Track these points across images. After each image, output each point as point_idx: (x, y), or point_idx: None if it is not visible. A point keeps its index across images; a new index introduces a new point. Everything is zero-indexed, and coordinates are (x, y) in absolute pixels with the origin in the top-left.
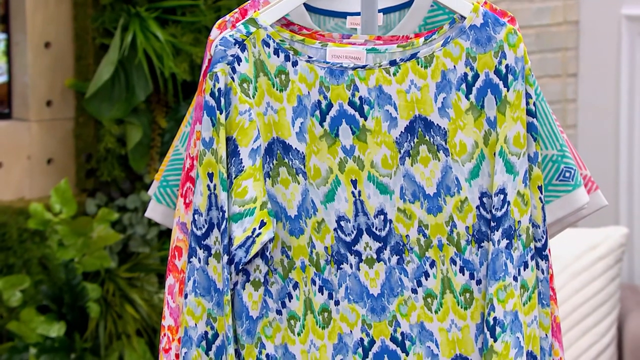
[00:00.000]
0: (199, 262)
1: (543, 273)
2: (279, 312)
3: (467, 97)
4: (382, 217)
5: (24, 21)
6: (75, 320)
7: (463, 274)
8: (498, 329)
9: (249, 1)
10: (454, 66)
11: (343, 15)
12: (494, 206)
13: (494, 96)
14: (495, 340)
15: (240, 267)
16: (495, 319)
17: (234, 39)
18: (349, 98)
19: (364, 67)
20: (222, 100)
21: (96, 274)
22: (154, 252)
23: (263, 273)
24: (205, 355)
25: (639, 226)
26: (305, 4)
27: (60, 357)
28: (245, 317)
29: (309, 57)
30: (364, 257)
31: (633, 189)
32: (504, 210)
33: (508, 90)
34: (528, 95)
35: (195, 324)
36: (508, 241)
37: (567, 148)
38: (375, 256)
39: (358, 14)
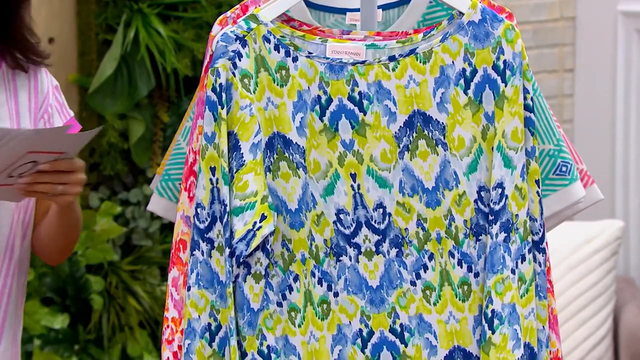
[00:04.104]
0: (202, 254)
1: (540, 266)
2: (279, 304)
3: (465, 93)
4: (381, 210)
5: None
6: (79, 312)
7: (461, 267)
8: (496, 321)
9: None
10: (453, 62)
11: (343, 11)
12: (492, 200)
13: (492, 91)
14: (493, 333)
15: (242, 260)
16: (493, 311)
17: (235, 35)
18: (349, 93)
19: (363, 62)
20: (224, 95)
21: (99, 267)
22: (156, 245)
23: (264, 266)
24: (208, 346)
25: (635, 219)
26: (305, 0)
27: (64, 348)
28: (246, 309)
29: (309, 53)
30: (363, 250)
31: (629, 183)
32: (502, 204)
33: (506, 86)
34: (526, 91)
35: (199, 316)
36: (506, 234)
37: (563, 143)
38: (374, 249)
39: (357, 10)
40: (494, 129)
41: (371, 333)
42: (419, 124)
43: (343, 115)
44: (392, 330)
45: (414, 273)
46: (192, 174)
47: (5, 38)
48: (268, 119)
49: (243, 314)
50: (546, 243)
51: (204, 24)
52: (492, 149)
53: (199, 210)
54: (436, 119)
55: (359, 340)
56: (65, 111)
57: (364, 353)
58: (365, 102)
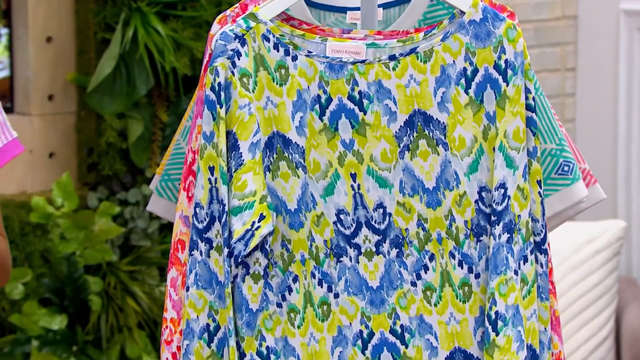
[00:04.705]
0: (201, 255)
1: (542, 267)
2: (279, 305)
3: (466, 92)
4: (381, 210)
5: (25, 16)
6: (77, 313)
7: (462, 268)
8: (500, 323)
9: None
10: (453, 61)
11: (343, 10)
12: (494, 200)
13: (493, 91)
14: (497, 334)
15: (240, 260)
16: (497, 312)
17: (234, 34)
18: (349, 92)
19: (363, 61)
20: (222, 94)
21: (98, 267)
22: (155, 245)
23: (263, 266)
24: (207, 347)
25: (637, 219)
26: None
27: (62, 349)
28: (245, 310)
29: (309, 52)
30: (363, 250)
31: (631, 183)
32: (504, 204)
33: (507, 85)
34: (527, 90)
35: (197, 317)
36: (509, 235)
37: (565, 142)
38: (374, 249)
39: (358, 9)
40: (495, 129)
41: (371, 334)
42: (419, 124)
43: (343, 114)
44: (392, 332)
45: (414, 274)
46: (191, 174)
47: None
48: (267, 118)
49: (242, 314)
50: (548, 244)
51: (203, 23)
52: (494, 149)
53: (197, 209)
54: (437, 119)
55: (359, 342)
56: (7, 132)
57: (364, 354)
58: (365, 101)
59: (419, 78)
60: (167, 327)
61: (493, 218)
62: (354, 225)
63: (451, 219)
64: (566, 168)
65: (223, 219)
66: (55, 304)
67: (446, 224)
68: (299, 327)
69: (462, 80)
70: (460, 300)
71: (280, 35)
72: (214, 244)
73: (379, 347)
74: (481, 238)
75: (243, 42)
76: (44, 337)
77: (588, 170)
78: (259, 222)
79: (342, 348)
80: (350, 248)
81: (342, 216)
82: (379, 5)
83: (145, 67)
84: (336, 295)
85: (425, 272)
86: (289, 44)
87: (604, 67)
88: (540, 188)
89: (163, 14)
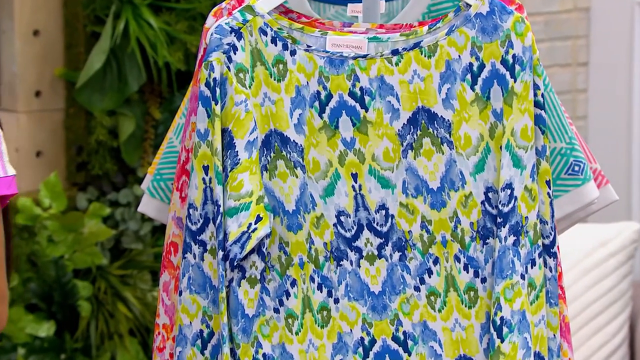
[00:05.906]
0: (194, 258)
1: (551, 271)
2: (276, 310)
3: (472, 88)
4: (383, 212)
5: (11, 8)
6: (66, 320)
7: (467, 272)
8: (505, 329)
9: None
10: (459, 56)
11: (344, 2)
12: (500, 201)
13: (500, 87)
14: (502, 341)
15: (236, 264)
16: (502, 318)
17: (230, 27)
18: (350, 89)
19: (365, 56)
20: (218, 90)
21: (87, 271)
22: (147, 248)
23: (259, 270)
24: (200, 354)
25: None
26: None
27: (50, 357)
28: (240, 315)
29: (308, 46)
30: (364, 254)
31: None
32: (510, 205)
33: (515, 81)
34: (536, 87)
35: (190, 322)
36: (515, 238)
37: (576, 141)
38: (376, 252)
39: (359, 1)
40: (503, 127)
41: (373, 341)
42: (423, 121)
43: (344, 111)
44: (395, 339)
45: (417, 278)
46: (184, 173)
47: None
48: (265, 115)
49: (237, 320)
50: (557, 247)
51: (198, 16)
52: (501, 147)
53: (191, 211)
54: (441, 116)
55: (360, 349)
56: (2, 166)
57: None
58: (367, 98)
59: (422, 74)
60: (159, 333)
61: (499, 220)
62: (355, 227)
63: (456, 220)
64: (576, 168)
65: (218, 221)
66: (42, 309)
67: (451, 226)
68: (297, 333)
69: (468, 76)
70: (465, 306)
71: (278, 28)
72: (208, 247)
73: (381, 354)
74: (488, 241)
75: (239, 36)
76: (31, 345)
77: (600, 170)
78: (255, 224)
79: (342, 356)
80: (351, 251)
81: (342, 218)
82: None
83: (137, 61)
84: (336, 301)
85: (429, 277)
86: (287, 37)
87: (617, 62)
88: (549, 189)
89: (156, 6)
